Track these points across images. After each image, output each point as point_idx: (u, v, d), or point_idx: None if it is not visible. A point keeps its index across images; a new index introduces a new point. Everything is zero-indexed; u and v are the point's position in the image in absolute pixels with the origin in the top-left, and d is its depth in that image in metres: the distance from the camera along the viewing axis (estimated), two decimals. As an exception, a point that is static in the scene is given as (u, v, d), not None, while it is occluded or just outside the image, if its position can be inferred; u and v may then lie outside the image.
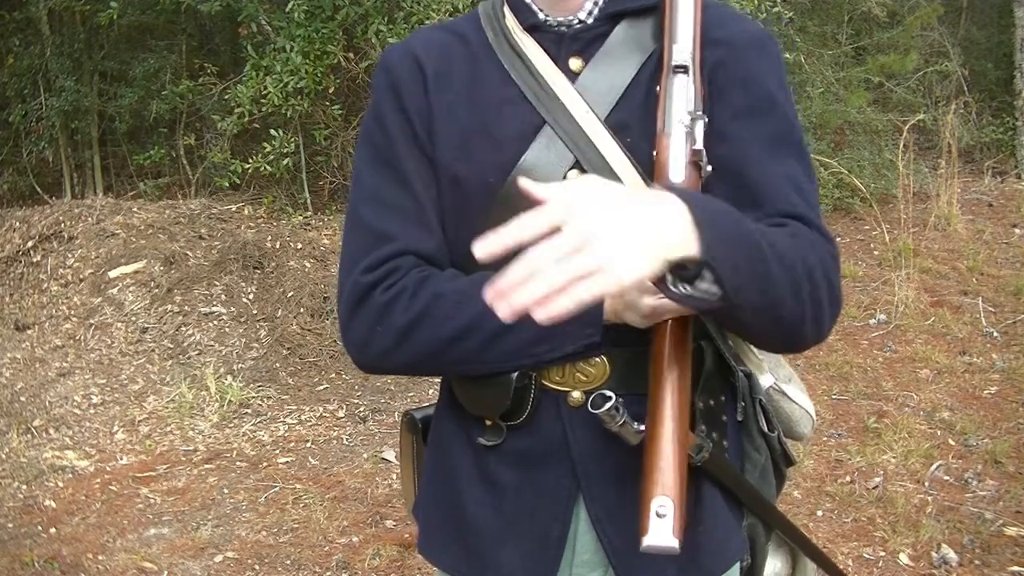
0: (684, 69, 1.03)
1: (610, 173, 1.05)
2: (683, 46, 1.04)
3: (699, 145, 1.00)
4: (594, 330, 1.02)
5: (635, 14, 1.09)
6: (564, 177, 1.07)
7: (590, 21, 1.10)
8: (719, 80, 1.07)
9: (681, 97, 1.02)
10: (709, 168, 1.02)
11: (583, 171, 1.06)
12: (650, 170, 1.05)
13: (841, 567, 1.34)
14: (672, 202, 0.83)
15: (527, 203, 1.06)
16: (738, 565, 1.16)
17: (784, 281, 0.92)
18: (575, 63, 1.09)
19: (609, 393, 1.02)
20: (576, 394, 1.09)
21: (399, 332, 1.05)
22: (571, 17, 1.10)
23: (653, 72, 1.07)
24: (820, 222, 1.03)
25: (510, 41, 1.11)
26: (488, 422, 1.12)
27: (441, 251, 1.11)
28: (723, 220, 0.87)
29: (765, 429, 1.18)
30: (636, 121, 1.06)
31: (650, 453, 0.98)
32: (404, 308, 1.05)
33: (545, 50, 1.10)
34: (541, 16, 1.11)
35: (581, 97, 1.07)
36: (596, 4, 1.10)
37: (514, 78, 1.09)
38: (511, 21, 1.12)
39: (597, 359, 1.08)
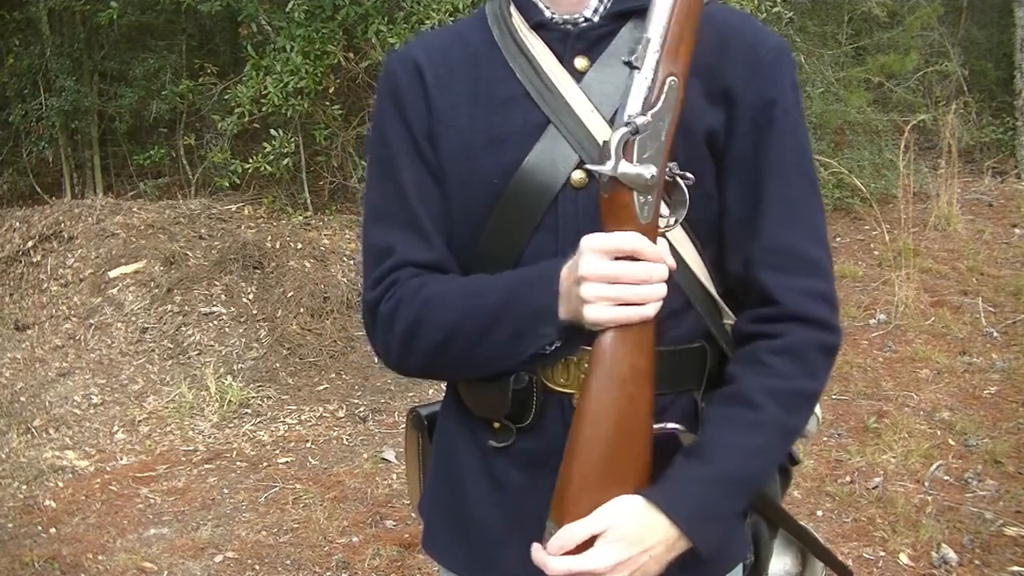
0: (636, 67, 0.98)
1: None
2: (645, 41, 0.98)
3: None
4: (551, 329, 1.01)
5: (643, 13, 1.06)
6: (568, 178, 1.06)
7: (596, 19, 1.09)
8: (737, 101, 1.05)
9: (631, 97, 0.98)
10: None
11: (587, 171, 1.05)
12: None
13: (847, 564, 1.34)
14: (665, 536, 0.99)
15: (532, 202, 1.06)
16: (741, 565, 1.17)
17: (768, 467, 1.10)
18: (580, 62, 1.08)
19: None
20: None
21: (402, 341, 1.09)
22: (576, 15, 1.09)
23: None
24: (819, 260, 1.07)
25: (516, 39, 1.10)
26: (496, 424, 1.12)
27: (442, 260, 1.11)
28: (712, 525, 1.02)
29: None
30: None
31: (559, 476, 1.01)
32: (401, 317, 1.08)
33: (551, 48, 1.09)
34: (547, 14, 1.09)
35: (586, 96, 1.06)
36: (602, 2, 1.08)
37: (519, 76, 1.08)
38: (517, 19, 1.11)
39: None
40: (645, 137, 0.96)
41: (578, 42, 1.09)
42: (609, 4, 1.09)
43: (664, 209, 1.02)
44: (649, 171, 0.96)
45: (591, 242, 0.97)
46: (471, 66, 1.12)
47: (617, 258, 0.96)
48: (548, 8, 1.10)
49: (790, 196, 1.06)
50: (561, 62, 1.08)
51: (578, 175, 1.06)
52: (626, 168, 0.95)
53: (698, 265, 1.08)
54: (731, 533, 1.14)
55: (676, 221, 1.01)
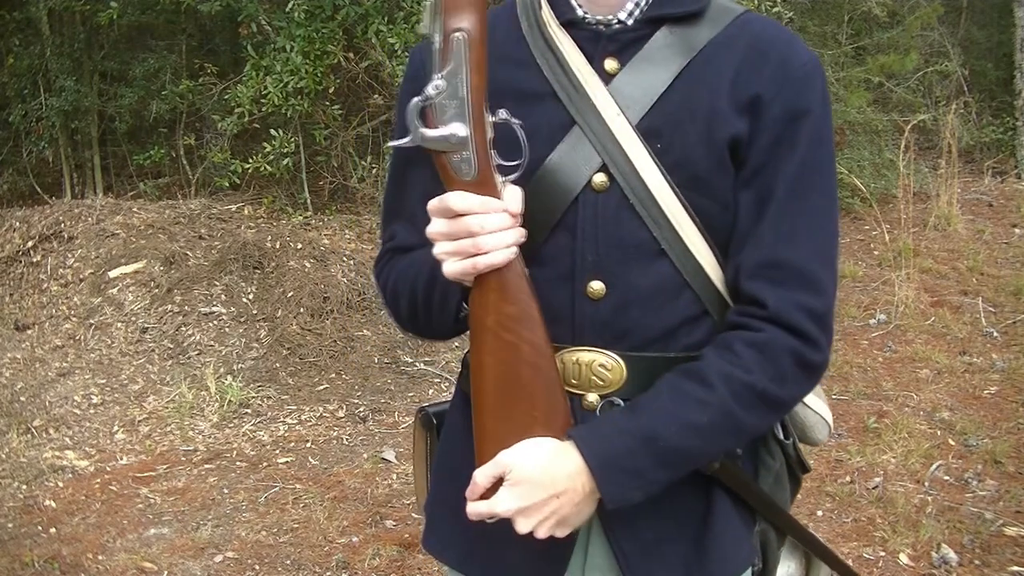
0: (429, 37, 0.98)
1: (637, 178, 1.04)
2: (429, 8, 0.98)
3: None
4: (457, 291, 1.07)
5: (677, 20, 1.07)
6: (589, 180, 1.05)
7: (630, 22, 1.07)
8: (763, 111, 1.04)
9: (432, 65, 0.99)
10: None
11: (609, 174, 1.05)
12: (680, 178, 1.04)
13: (855, 570, 1.34)
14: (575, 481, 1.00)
15: (551, 202, 1.06)
16: (749, 571, 1.16)
17: (704, 450, 1.04)
18: (610, 64, 1.06)
19: (619, 400, 1.06)
20: (592, 397, 1.09)
21: (392, 310, 1.20)
22: (610, 16, 1.07)
23: (690, 80, 1.05)
24: (799, 294, 1.03)
25: (544, 35, 1.09)
26: None
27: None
28: (624, 479, 1.01)
29: (780, 436, 1.18)
30: (669, 128, 1.05)
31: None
32: (388, 291, 1.19)
33: (580, 48, 1.07)
34: (579, 12, 1.08)
35: (613, 99, 1.05)
36: (638, 5, 1.07)
37: (546, 74, 1.07)
38: (547, 14, 1.09)
39: (613, 363, 1.08)
40: (443, 99, 0.97)
41: (610, 44, 1.07)
42: (645, 8, 1.07)
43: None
44: (452, 131, 0.97)
45: (428, 206, 1.02)
46: (495, 60, 1.09)
47: (456, 215, 0.99)
48: (581, 7, 1.08)
49: (800, 211, 1.04)
50: (591, 63, 1.07)
51: (599, 178, 1.05)
52: (428, 134, 0.98)
53: (716, 274, 1.07)
54: (739, 539, 1.14)
55: (520, 166, 1.02)
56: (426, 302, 1.11)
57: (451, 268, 1.01)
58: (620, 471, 1.00)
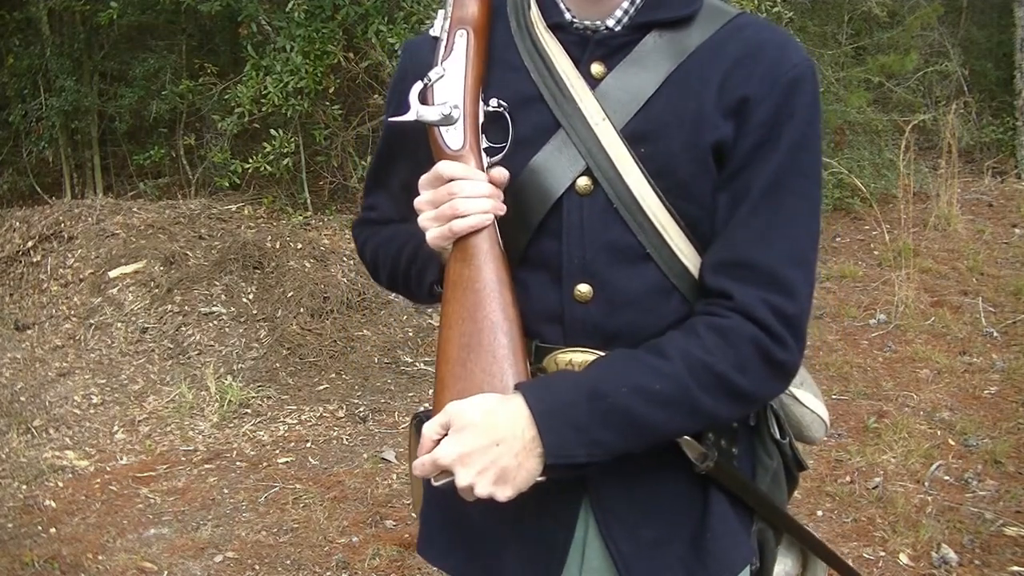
0: (438, 38, 1.11)
1: (621, 183, 1.04)
2: (442, 15, 1.11)
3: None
4: (436, 268, 1.13)
5: (665, 25, 1.06)
6: (572, 183, 1.06)
7: (617, 29, 1.07)
8: (750, 113, 1.03)
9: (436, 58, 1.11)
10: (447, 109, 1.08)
11: (593, 178, 1.05)
12: (665, 184, 1.04)
13: (854, 567, 1.33)
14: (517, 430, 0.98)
15: (533, 205, 1.07)
16: (747, 570, 1.16)
17: (653, 421, 1.00)
18: (597, 68, 1.07)
19: None
20: None
21: (372, 273, 1.29)
22: (598, 22, 1.07)
23: (678, 85, 1.05)
24: (768, 293, 1.01)
25: (532, 36, 1.09)
26: None
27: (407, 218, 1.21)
28: (566, 432, 0.99)
29: (777, 436, 1.18)
30: (654, 133, 1.04)
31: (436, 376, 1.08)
32: (366, 256, 1.28)
33: (567, 51, 1.08)
34: (567, 16, 1.08)
35: (599, 103, 1.05)
36: (626, 13, 1.07)
37: (533, 76, 1.08)
38: (535, 14, 1.10)
39: None
40: (442, 83, 1.08)
41: (597, 48, 1.07)
42: (634, 14, 1.07)
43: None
44: (444, 108, 1.07)
45: (420, 181, 1.08)
46: (492, 63, 1.11)
47: (442, 182, 1.06)
48: (569, 11, 1.08)
49: (774, 214, 1.03)
50: (577, 66, 1.07)
51: (583, 181, 1.05)
52: (423, 111, 1.08)
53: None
54: (737, 539, 1.14)
55: (505, 148, 1.08)
56: (405, 275, 1.19)
57: (432, 234, 1.06)
58: (562, 421, 0.98)
